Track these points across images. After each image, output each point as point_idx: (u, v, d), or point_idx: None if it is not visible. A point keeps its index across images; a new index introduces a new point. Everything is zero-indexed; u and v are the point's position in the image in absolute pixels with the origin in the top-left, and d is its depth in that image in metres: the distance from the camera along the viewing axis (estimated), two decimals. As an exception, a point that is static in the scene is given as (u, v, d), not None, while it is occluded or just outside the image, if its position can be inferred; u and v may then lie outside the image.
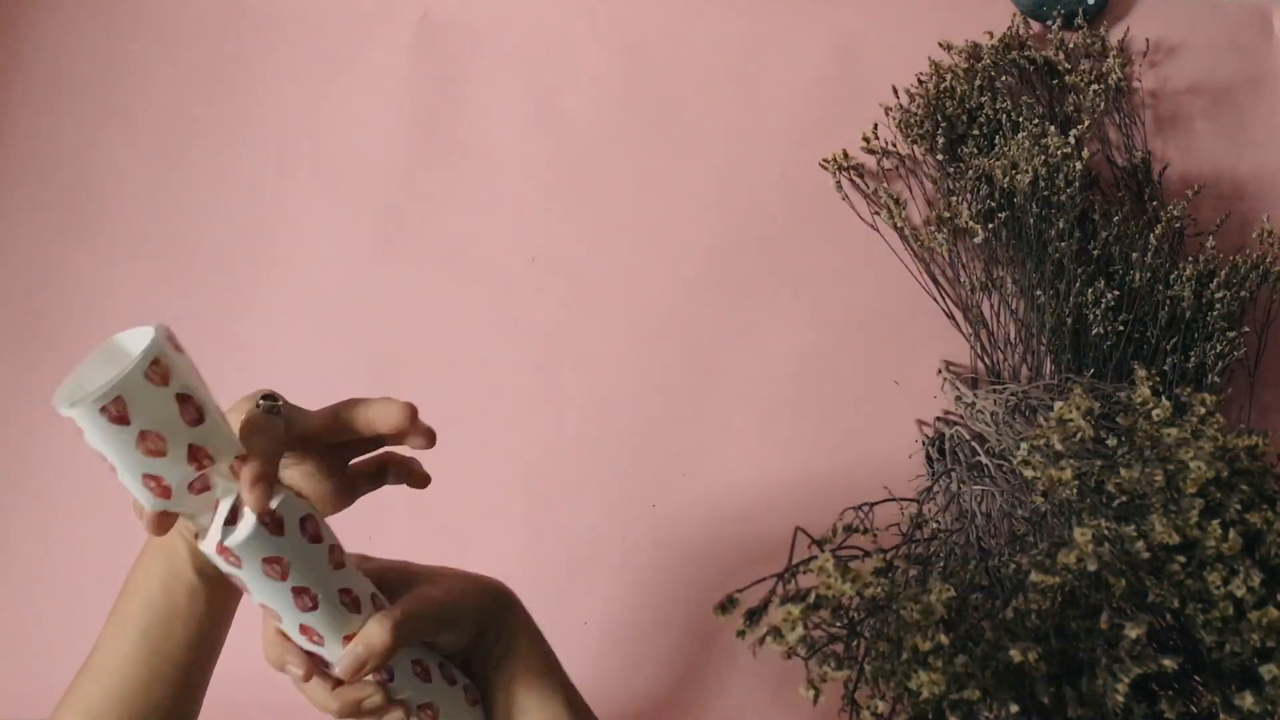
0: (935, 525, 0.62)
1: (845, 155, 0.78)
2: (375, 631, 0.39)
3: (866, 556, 0.45)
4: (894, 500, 0.64)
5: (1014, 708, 0.40)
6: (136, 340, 0.36)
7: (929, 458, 0.74)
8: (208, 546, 0.38)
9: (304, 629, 0.40)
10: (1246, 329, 0.71)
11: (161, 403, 0.36)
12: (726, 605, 0.42)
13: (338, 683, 0.41)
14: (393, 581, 0.43)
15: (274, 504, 0.38)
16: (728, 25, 0.83)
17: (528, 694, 0.45)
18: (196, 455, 0.37)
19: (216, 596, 0.45)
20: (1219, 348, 0.70)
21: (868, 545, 0.48)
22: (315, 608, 0.39)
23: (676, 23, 0.83)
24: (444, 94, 0.80)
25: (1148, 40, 0.82)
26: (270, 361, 0.76)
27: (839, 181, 0.78)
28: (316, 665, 0.41)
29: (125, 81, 0.80)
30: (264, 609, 0.39)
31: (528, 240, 0.78)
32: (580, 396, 0.76)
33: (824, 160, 0.78)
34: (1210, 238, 0.73)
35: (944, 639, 0.41)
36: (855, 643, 0.44)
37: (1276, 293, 0.75)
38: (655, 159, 0.80)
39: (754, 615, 0.42)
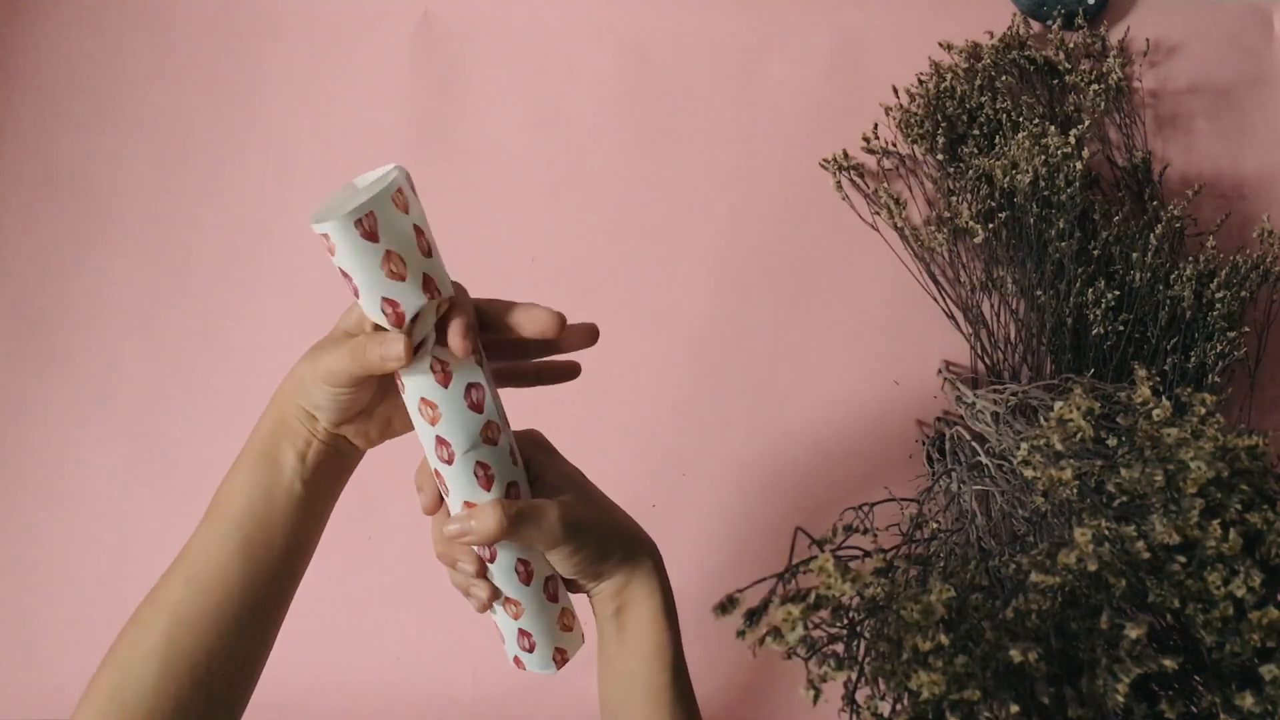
0: (935, 525, 0.62)
1: (845, 155, 0.78)
2: (484, 515, 0.43)
3: (866, 556, 0.45)
4: (894, 500, 0.64)
5: (1014, 708, 0.40)
6: (375, 179, 0.40)
7: (929, 458, 0.74)
8: (419, 363, 0.41)
9: (437, 474, 0.45)
10: (1246, 329, 0.71)
11: (404, 226, 0.39)
12: (726, 605, 0.42)
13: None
14: (550, 480, 0.47)
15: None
16: (728, 25, 0.83)
17: (631, 678, 0.47)
18: (429, 285, 0.41)
19: (316, 506, 0.46)
20: (1219, 348, 0.70)
21: (868, 545, 0.48)
22: (450, 463, 0.44)
23: (676, 23, 0.83)
24: (444, 94, 0.80)
25: (1148, 40, 0.82)
26: (270, 361, 0.75)
27: (839, 181, 0.78)
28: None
29: (125, 81, 0.80)
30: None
31: (528, 240, 0.78)
32: (580, 396, 0.76)
33: (824, 160, 0.78)
34: (1210, 238, 0.73)
35: (944, 639, 0.41)
36: (855, 643, 0.44)
37: (1276, 293, 0.75)
38: (655, 159, 0.80)
39: (754, 615, 0.41)
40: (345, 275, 0.40)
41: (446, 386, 0.42)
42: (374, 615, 0.71)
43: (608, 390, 0.76)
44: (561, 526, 0.44)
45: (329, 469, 0.46)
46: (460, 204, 0.79)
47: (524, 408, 0.76)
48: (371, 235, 0.39)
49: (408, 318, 0.41)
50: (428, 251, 0.41)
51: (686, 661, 0.49)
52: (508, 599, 0.47)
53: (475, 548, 0.46)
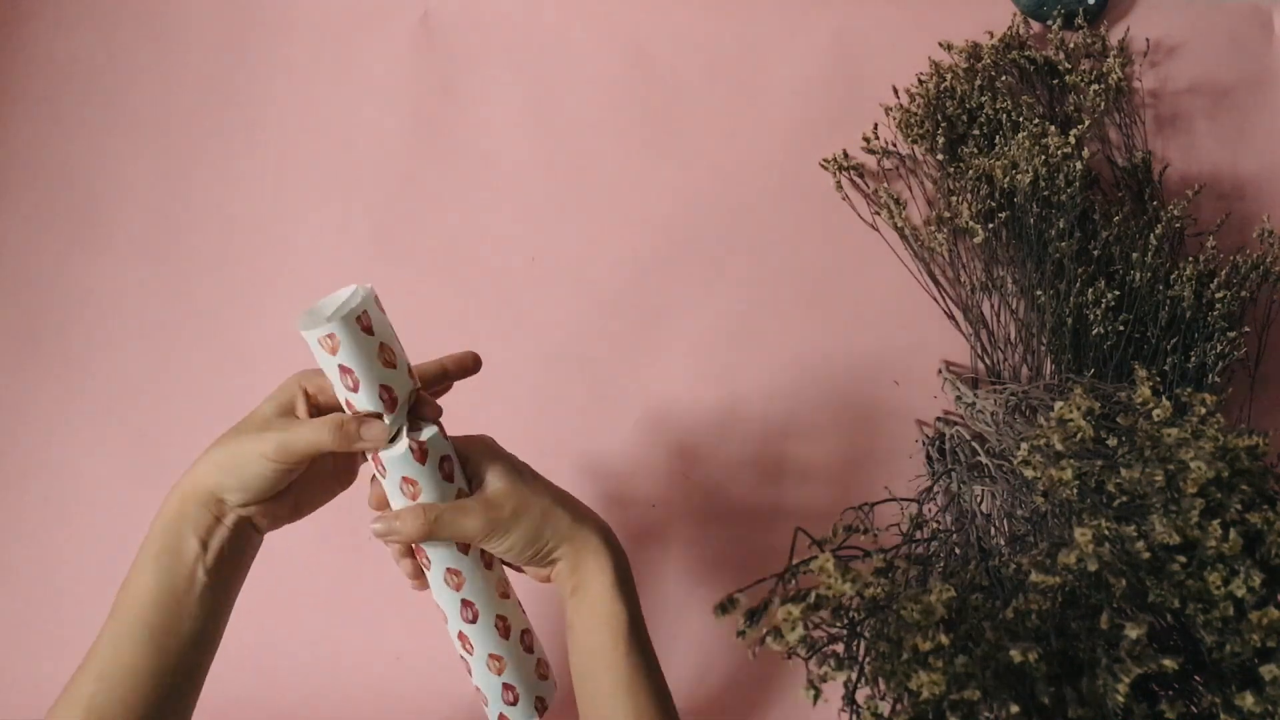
0: (935, 525, 0.62)
1: (845, 155, 0.78)
2: (407, 518, 0.48)
3: (866, 556, 0.45)
4: (894, 500, 0.64)
5: (1014, 708, 0.40)
6: (340, 297, 0.45)
7: (929, 458, 0.74)
8: (399, 446, 0.47)
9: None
10: (1247, 329, 0.71)
11: (385, 325, 0.46)
12: (726, 605, 0.42)
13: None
14: (485, 475, 0.51)
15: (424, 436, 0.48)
16: (728, 25, 0.83)
17: (591, 653, 0.49)
18: (410, 373, 0.48)
19: (220, 594, 0.48)
20: (1219, 348, 0.70)
21: (868, 545, 0.48)
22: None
23: (676, 23, 0.83)
24: (444, 94, 0.80)
25: (1148, 40, 0.82)
26: (270, 361, 0.75)
27: (839, 181, 0.78)
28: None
29: (125, 82, 0.80)
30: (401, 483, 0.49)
31: (528, 240, 0.78)
32: (580, 396, 0.76)
33: (824, 160, 0.78)
34: (1210, 238, 0.73)
35: (944, 639, 0.41)
36: (855, 643, 0.44)
37: (1276, 293, 0.75)
38: (655, 159, 0.80)
39: (754, 615, 0.41)
40: (345, 370, 0.45)
41: (423, 464, 0.48)
42: (374, 615, 0.71)
43: (608, 390, 0.76)
44: (484, 520, 0.48)
45: (231, 555, 0.48)
46: (460, 204, 0.79)
47: (530, 407, 0.76)
48: (369, 330, 0.44)
49: (399, 401, 0.46)
50: (399, 349, 0.47)
51: (649, 633, 0.51)
52: (491, 655, 0.52)
53: (460, 627, 0.51)
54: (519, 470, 0.52)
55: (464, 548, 0.51)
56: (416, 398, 0.49)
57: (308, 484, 0.50)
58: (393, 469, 0.48)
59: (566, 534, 0.50)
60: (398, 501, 0.49)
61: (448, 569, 0.50)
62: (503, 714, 0.53)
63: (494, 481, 0.50)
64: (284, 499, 0.49)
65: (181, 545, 0.47)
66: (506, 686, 0.52)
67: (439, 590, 0.51)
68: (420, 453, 0.48)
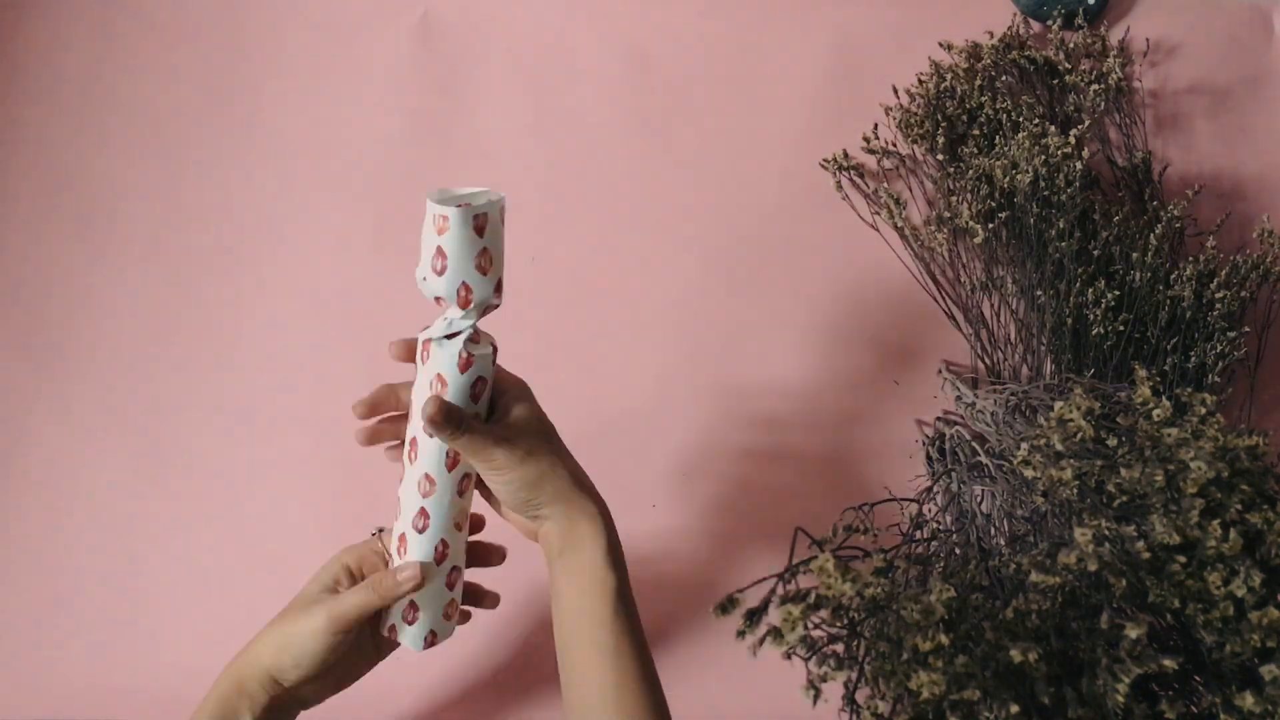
0: (935, 525, 0.62)
1: (845, 155, 0.78)
2: (430, 399, 0.49)
3: (866, 556, 0.45)
4: (894, 500, 0.64)
5: (1014, 708, 0.40)
6: (479, 192, 0.50)
7: (929, 458, 0.74)
8: (453, 345, 0.50)
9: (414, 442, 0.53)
10: (1247, 329, 0.71)
11: (496, 236, 0.49)
12: (726, 605, 0.42)
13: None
14: (514, 418, 0.52)
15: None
16: (728, 25, 0.83)
17: (577, 615, 0.50)
18: (499, 290, 0.50)
19: None
20: (1219, 348, 0.70)
21: (868, 545, 0.48)
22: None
23: (677, 23, 0.83)
24: (444, 94, 0.80)
25: (1148, 40, 0.82)
26: (270, 360, 0.76)
27: (839, 181, 0.78)
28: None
29: (125, 81, 0.80)
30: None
31: (528, 240, 0.78)
32: (580, 396, 0.76)
33: (824, 160, 0.78)
34: (1210, 238, 0.73)
35: (944, 639, 0.41)
36: (855, 643, 0.44)
37: (1276, 293, 0.75)
38: (655, 159, 0.80)
39: (754, 615, 0.41)
40: (440, 254, 0.48)
41: (463, 372, 0.50)
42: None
43: (608, 389, 0.76)
44: (495, 440, 0.49)
45: None
46: (460, 204, 0.79)
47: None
48: (479, 231, 0.48)
49: (473, 304, 0.49)
50: (501, 264, 0.50)
51: (632, 600, 0.52)
52: (428, 476, 0.53)
53: (405, 529, 0.53)
54: (544, 424, 0.53)
55: (451, 463, 0.52)
56: (483, 314, 0.51)
57: (351, 655, 0.53)
58: (434, 361, 0.50)
59: (565, 494, 0.51)
60: (423, 393, 0.51)
61: (426, 473, 0.52)
62: (394, 626, 0.54)
63: (519, 416, 0.52)
64: (330, 673, 0.52)
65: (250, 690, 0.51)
66: (412, 605, 0.53)
67: (408, 488, 0.52)
68: (465, 362, 0.50)
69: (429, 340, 0.51)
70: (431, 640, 0.55)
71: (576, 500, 0.52)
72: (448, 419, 0.48)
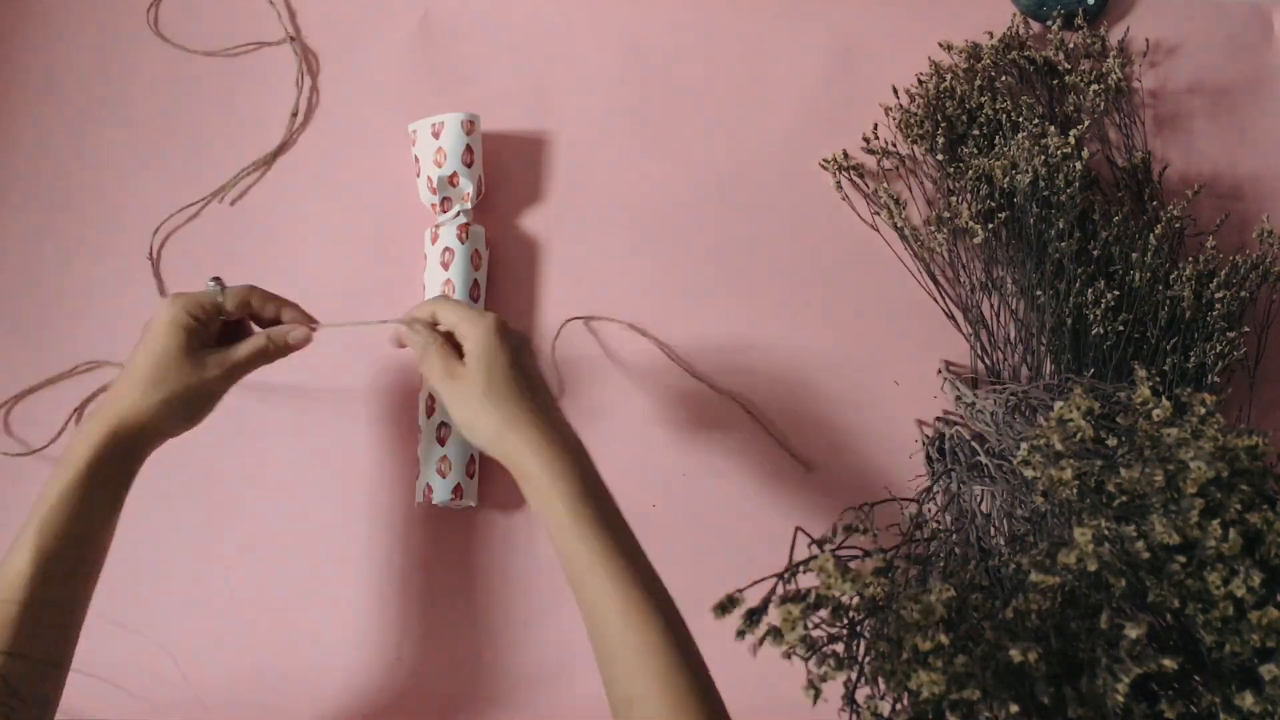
0: (935, 525, 0.62)
1: (845, 155, 0.78)
2: (420, 308, 0.61)
3: (866, 556, 0.45)
4: (894, 500, 0.64)
5: (1014, 708, 0.40)
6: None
7: (929, 458, 0.74)
8: (458, 219, 0.74)
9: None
10: (1246, 329, 0.71)
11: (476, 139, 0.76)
12: (726, 605, 0.42)
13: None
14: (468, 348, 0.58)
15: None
16: (728, 25, 0.83)
17: (548, 520, 0.54)
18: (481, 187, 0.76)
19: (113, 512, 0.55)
20: (1219, 348, 0.70)
21: (868, 545, 0.48)
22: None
23: (677, 23, 0.83)
24: (444, 94, 0.80)
25: (1148, 40, 0.82)
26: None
27: (839, 181, 0.78)
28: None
29: (124, 81, 0.80)
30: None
31: (527, 240, 0.78)
32: (581, 396, 0.76)
33: (824, 160, 0.78)
34: (1210, 238, 0.73)
35: (944, 639, 0.41)
36: (855, 643, 0.44)
37: (1276, 293, 0.75)
38: (655, 159, 0.80)
39: (754, 615, 0.42)
40: (415, 162, 0.74)
41: (463, 243, 0.73)
42: (374, 615, 0.71)
43: (608, 389, 0.76)
44: (443, 386, 0.56)
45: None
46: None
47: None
48: (435, 134, 0.74)
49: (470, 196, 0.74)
50: (469, 164, 0.74)
51: (603, 499, 0.54)
52: (443, 424, 0.70)
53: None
54: (490, 371, 0.55)
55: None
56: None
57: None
58: (443, 236, 0.73)
59: (498, 448, 0.55)
60: (434, 269, 0.72)
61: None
62: (428, 484, 0.68)
63: (470, 363, 0.56)
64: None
65: (114, 486, 0.55)
66: (443, 458, 0.68)
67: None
68: (463, 234, 0.72)
69: (438, 228, 0.73)
70: (428, 493, 0.68)
71: (508, 450, 0.54)
72: (423, 351, 0.57)
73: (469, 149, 0.72)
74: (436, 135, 0.72)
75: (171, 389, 0.55)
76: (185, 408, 0.57)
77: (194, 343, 0.57)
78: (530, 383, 0.57)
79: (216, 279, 0.60)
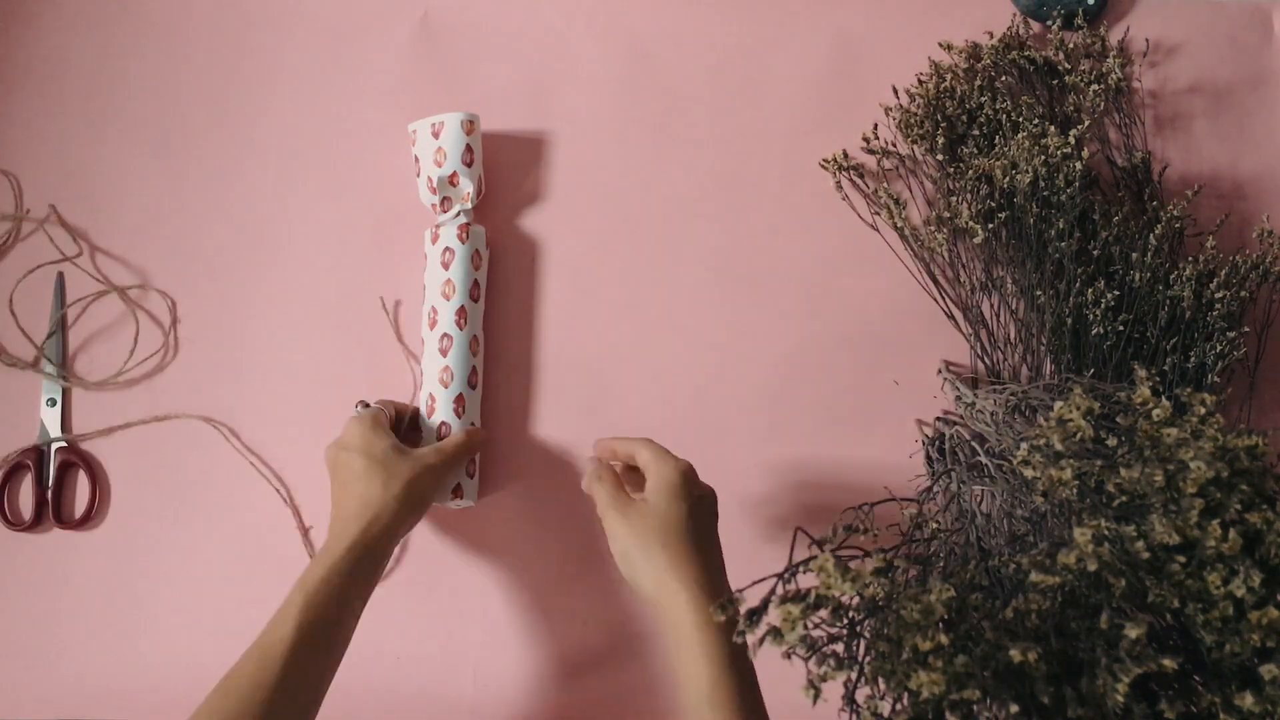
0: (935, 525, 0.62)
1: (845, 155, 0.78)
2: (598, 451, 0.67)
3: (866, 556, 0.45)
4: (894, 500, 0.64)
5: (1014, 708, 0.40)
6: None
7: (929, 458, 0.74)
8: (457, 220, 0.74)
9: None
10: (1246, 329, 0.71)
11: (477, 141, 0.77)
12: (726, 605, 0.42)
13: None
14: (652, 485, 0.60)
15: None
16: (728, 25, 0.83)
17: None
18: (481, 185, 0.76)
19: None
20: (1219, 348, 0.70)
21: (868, 545, 0.48)
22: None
23: (677, 23, 0.83)
24: (444, 94, 0.80)
25: (1148, 40, 0.82)
26: (270, 360, 0.76)
27: (839, 181, 0.78)
28: None
29: (124, 81, 0.80)
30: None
31: (527, 240, 0.78)
32: (580, 396, 0.76)
33: (824, 160, 0.78)
34: (1210, 238, 0.73)
35: (944, 639, 0.41)
36: (855, 643, 0.44)
37: (1276, 293, 0.75)
38: (655, 159, 0.80)
39: (754, 615, 0.42)
40: (415, 161, 0.75)
41: (464, 243, 0.73)
42: (374, 615, 0.71)
43: (608, 390, 0.76)
44: (611, 516, 0.59)
45: None
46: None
47: (529, 407, 0.76)
48: (435, 134, 0.74)
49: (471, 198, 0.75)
50: (469, 164, 0.75)
51: (745, 683, 0.52)
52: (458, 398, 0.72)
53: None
54: (668, 516, 0.56)
55: (461, 321, 0.72)
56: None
57: None
58: (443, 236, 0.73)
59: (655, 586, 0.55)
60: (434, 269, 0.72)
61: (444, 333, 0.71)
62: (459, 485, 0.69)
63: (651, 499, 0.57)
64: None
65: (367, 576, 0.60)
66: (473, 460, 0.71)
67: (430, 351, 0.72)
68: (464, 234, 0.73)
69: (437, 229, 0.73)
70: (457, 492, 0.69)
71: (666, 581, 0.54)
72: (590, 481, 0.62)
73: (469, 149, 0.72)
74: (436, 135, 0.72)
75: (405, 481, 0.61)
76: (419, 498, 0.62)
77: (396, 442, 0.64)
78: (704, 537, 0.57)
79: (363, 402, 0.69)
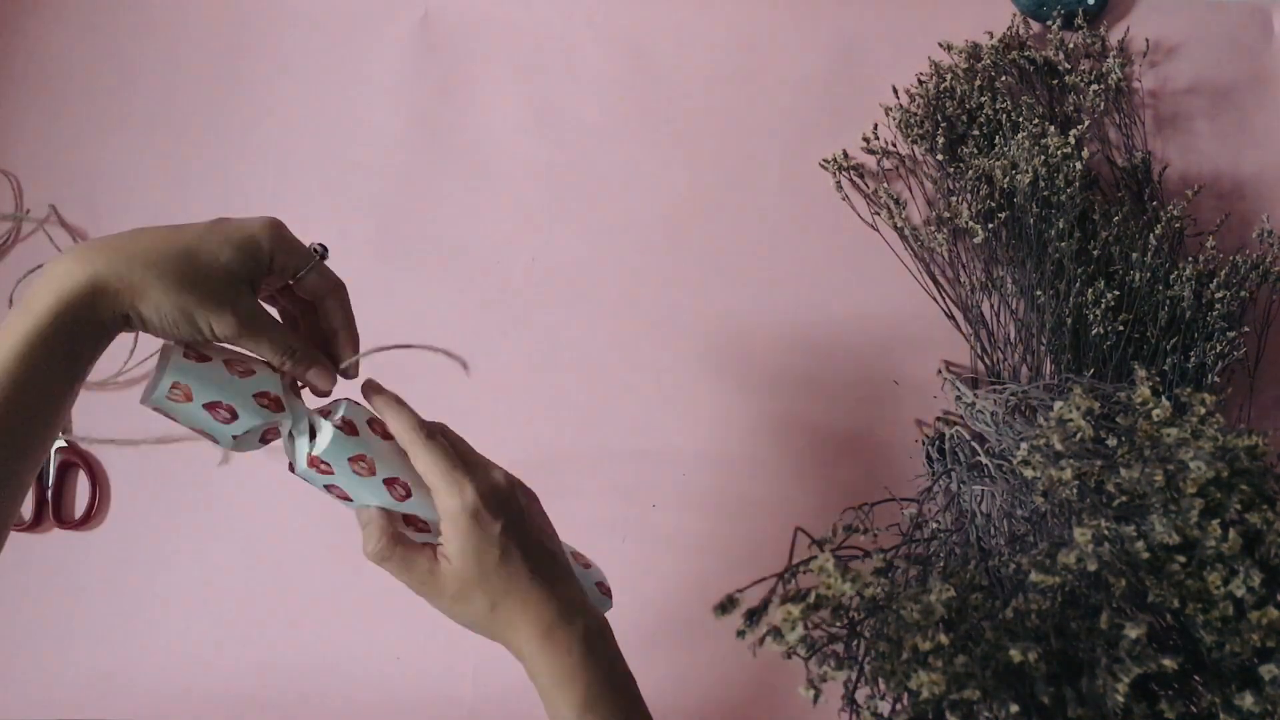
0: (935, 525, 0.62)
1: (845, 155, 0.78)
2: (366, 531, 0.47)
3: (866, 556, 0.45)
4: (894, 500, 0.64)
5: (1014, 708, 0.40)
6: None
7: (929, 458, 0.74)
8: (300, 464, 0.44)
9: (407, 519, 0.47)
10: (1246, 329, 0.71)
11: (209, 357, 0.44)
12: (726, 605, 0.42)
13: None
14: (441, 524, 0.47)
15: (340, 413, 0.45)
16: (728, 25, 0.83)
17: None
18: (273, 366, 0.45)
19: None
20: (1219, 348, 0.70)
21: (868, 545, 0.48)
22: (409, 496, 0.46)
23: (677, 23, 0.83)
24: (444, 94, 0.80)
25: (1148, 40, 0.82)
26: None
27: (839, 181, 0.78)
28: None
29: (126, 81, 0.80)
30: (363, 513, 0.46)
31: (528, 240, 0.78)
32: (580, 396, 0.76)
33: (824, 160, 0.78)
34: (1210, 238, 0.73)
35: (944, 639, 0.41)
36: (855, 643, 0.44)
37: (1276, 293, 0.75)
38: (655, 159, 0.80)
39: (754, 615, 0.42)
40: (212, 407, 0.44)
41: (357, 434, 0.46)
42: (374, 615, 0.71)
43: (608, 390, 0.76)
44: (419, 583, 0.47)
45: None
46: (460, 203, 0.79)
47: (530, 407, 0.76)
48: (202, 359, 0.43)
49: (283, 398, 0.45)
50: (242, 353, 0.44)
51: (625, 681, 0.48)
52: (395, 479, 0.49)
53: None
54: (479, 555, 0.46)
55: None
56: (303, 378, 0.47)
57: None
58: (335, 459, 0.44)
59: (504, 635, 0.48)
60: (371, 498, 0.46)
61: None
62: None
63: (446, 556, 0.46)
64: None
65: (78, 358, 0.41)
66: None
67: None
68: (348, 426, 0.45)
69: (314, 461, 0.46)
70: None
71: (512, 639, 0.47)
72: (371, 554, 0.46)
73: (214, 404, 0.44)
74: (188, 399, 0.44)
75: (196, 287, 0.42)
76: (192, 313, 0.42)
77: (249, 272, 0.46)
78: (530, 556, 0.47)
79: (323, 245, 0.51)
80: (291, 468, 0.46)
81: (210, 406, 0.43)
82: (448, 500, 0.46)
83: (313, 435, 0.45)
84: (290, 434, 0.46)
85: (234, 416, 0.43)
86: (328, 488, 0.46)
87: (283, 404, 0.44)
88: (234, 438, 0.44)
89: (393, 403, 0.49)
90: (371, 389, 0.49)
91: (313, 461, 0.44)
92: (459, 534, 0.45)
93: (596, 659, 0.47)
